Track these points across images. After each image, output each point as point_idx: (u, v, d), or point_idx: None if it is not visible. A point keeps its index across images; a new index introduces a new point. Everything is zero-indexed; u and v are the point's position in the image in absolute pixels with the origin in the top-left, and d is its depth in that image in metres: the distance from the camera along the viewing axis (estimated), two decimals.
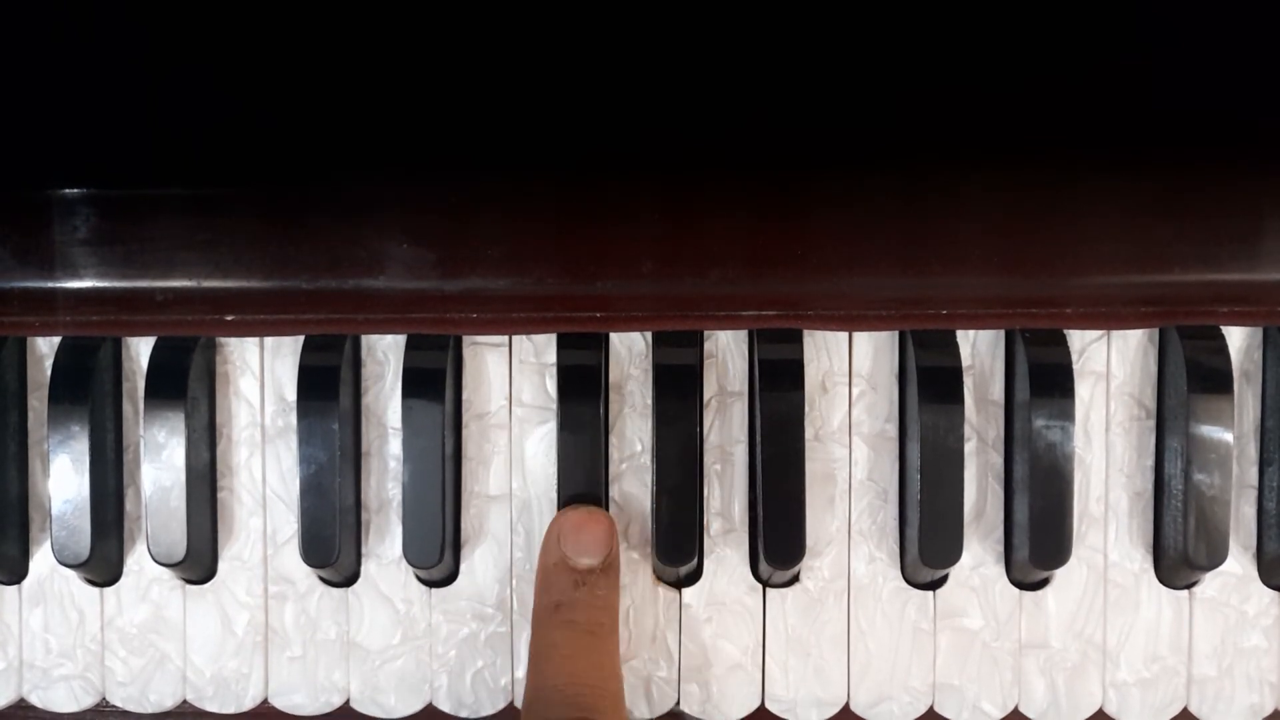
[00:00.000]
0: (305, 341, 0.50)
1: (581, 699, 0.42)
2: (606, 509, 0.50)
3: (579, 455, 0.48)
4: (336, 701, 0.51)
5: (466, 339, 0.51)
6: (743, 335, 0.50)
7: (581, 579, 0.46)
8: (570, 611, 0.45)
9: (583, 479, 0.49)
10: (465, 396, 0.51)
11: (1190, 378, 0.47)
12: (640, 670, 0.50)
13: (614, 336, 0.50)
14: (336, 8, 0.49)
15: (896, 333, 0.50)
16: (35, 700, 0.52)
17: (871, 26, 0.48)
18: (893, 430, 0.50)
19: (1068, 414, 0.47)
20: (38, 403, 0.52)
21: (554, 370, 0.50)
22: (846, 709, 0.50)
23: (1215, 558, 0.48)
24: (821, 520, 0.50)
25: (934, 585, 0.50)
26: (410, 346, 0.50)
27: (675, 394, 0.49)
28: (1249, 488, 0.50)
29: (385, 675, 0.51)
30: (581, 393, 0.48)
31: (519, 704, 0.51)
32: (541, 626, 0.46)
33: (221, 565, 0.52)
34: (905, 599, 0.50)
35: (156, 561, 0.49)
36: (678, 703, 0.50)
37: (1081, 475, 0.50)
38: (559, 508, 0.49)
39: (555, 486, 0.49)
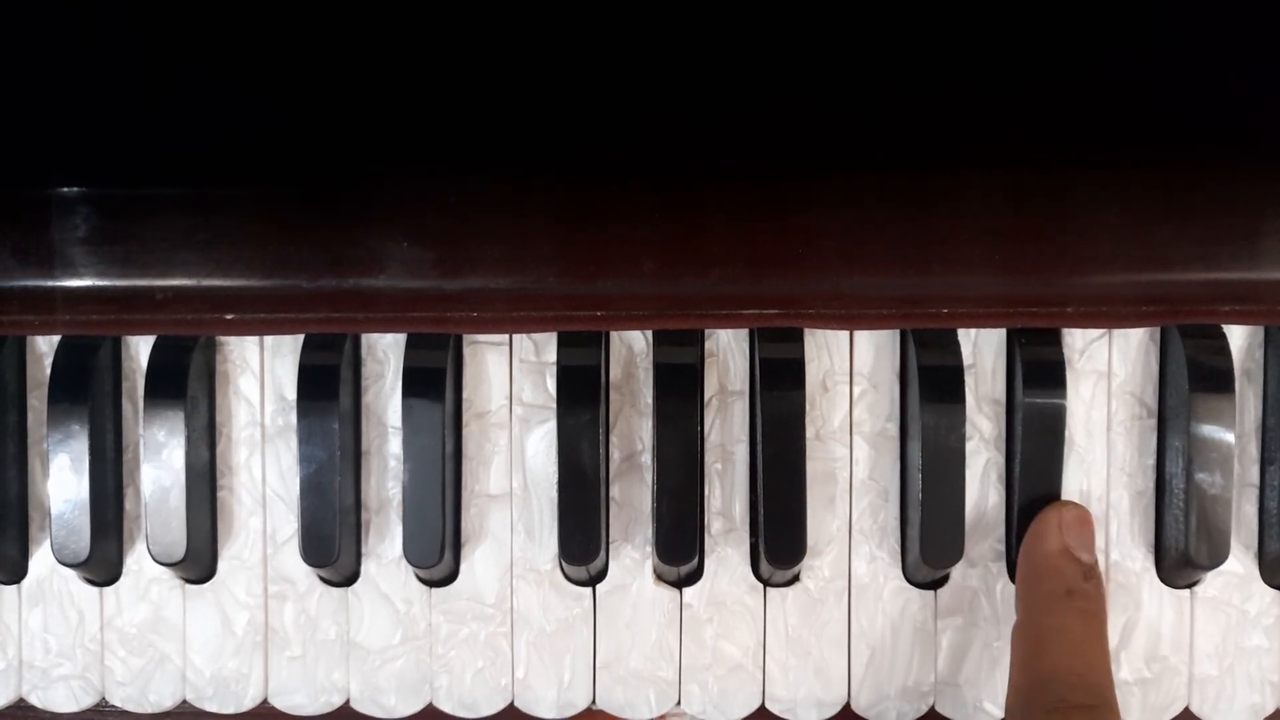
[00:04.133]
0: (305, 340, 0.50)
1: (1101, 687, 0.43)
2: (607, 509, 0.49)
3: (579, 454, 0.48)
4: (336, 701, 0.51)
5: (467, 338, 0.51)
6: (744, 334, 0.50)
7: (1088, 573, 0.46)
8: (1084, 601, 0.45)
9: (581, 483, 0.48)
10: (465, 396, 0.51)
11: (1191, 377, 0.47)
12: (641, 671, 0.50)
13: (614, 335, 0.50)
14: (337, 7, 0.49)
15: (897, 332, 0.50)
16: (35, 700, 0.52)
17: (872, 26, 0.48)
18: (894, 429, 0.50)
19: (1059, 414, 0.47)
20: (37, 402, 0.52)
21: (554, 369, 0.50)
22: (847, 709, 0.50)
23: (1217, 557, 0.47)
24: (822, 520, 0.50)
25: (935, 585, 0.50)
26: (410, 345, 0.50)
27: (676, 393, 0.49)
28: (1250, 487, 0.50)
29: (385, 675, 0.51)
30: (582, 392, 0.48)
31: (519, 704, 0.50)
32: (1051, 611, 0.45)
33: (221, 565, 0.51)
34: (906, 598, 0.50)
35: (156, 561, 0.49)
36: (678, 703, 0.50)
37: (1083, 475, 0.49)
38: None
39: (556, 486, 0.49)
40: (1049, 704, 0.42)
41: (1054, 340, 0.49)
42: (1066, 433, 0.49)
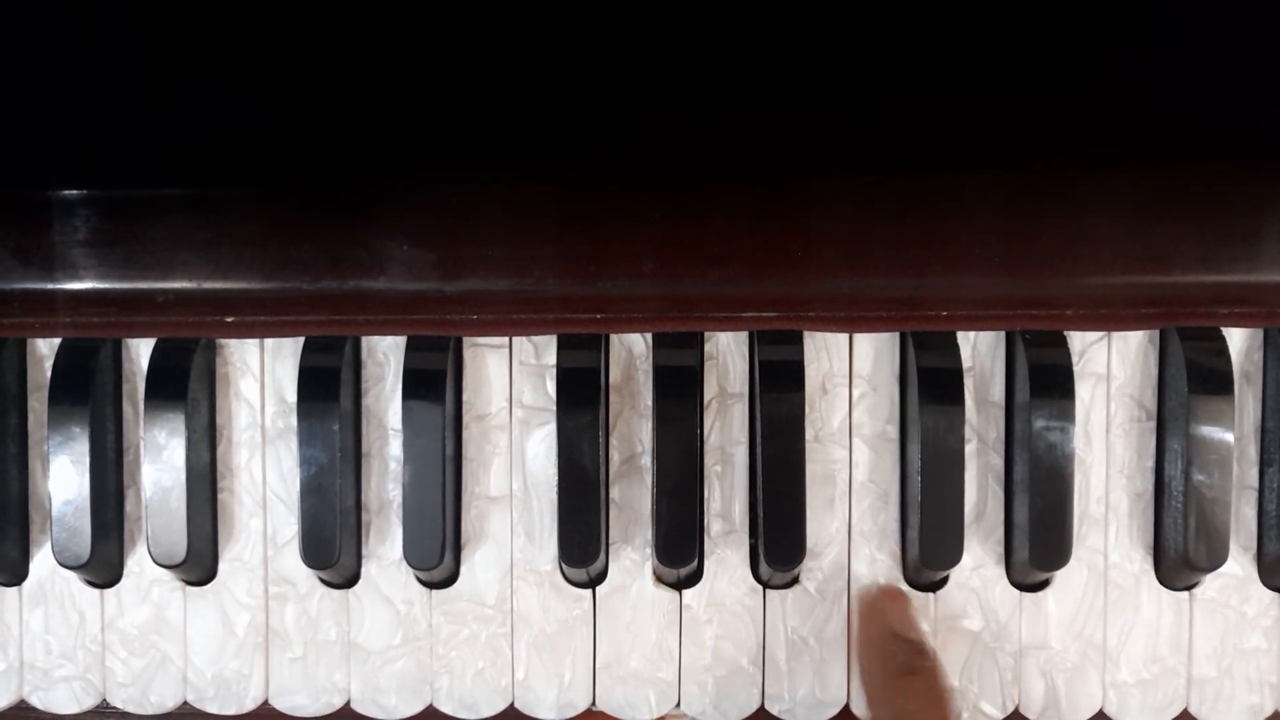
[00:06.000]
0: (305, 343, 0.50)
1: None
2: (607, 510, 0.49)
3: (579, 456, 0.48)
4: (337, 702, 0.51)
5: (467, 340, 0.51)
6: (743, 336, 0.50)
7: (920, 649, 0.47)
8: (927, 679, 0.46)
9: (581, 485, 0.48)
10: (466, 398, 0.51)
11: (1191, 379, 0.47)
12: (641, 672, 0.50)
13: (614, 338, 0.50)
14: (337, 7, 0.49)
15: (897, 334, 0.50)
16: (36, 701, 0.52)
17: (871, 26, 0.48)
18: (893, 431, 0.50)
19: (1068, 415, 0.47)
20: (38, 404, 0.52)
21: (554, 371, 0.50)
22: (846, 710, 0.50)
23: (1215, 559, 0.48)
24: (821, 521, 0.50)
25: (935, 586, 0.50)
26: (411, 348, 0.50)
27: (675, 395, 0.49)
28: (1249, 489, 0.50)
29: (386, 676, 0.51)
30: (581, 394, 0.48)
31: (520, 705, 0.51)
32: (896, 695, 0.46)
33: (222, 566, 0.52)
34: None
35: (157, 563, 0.49)
36: (678, 704, 0.50)
37: (1082, 476, 0.50)
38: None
39: (556, 488, 0.49)
40: None
41: (1059, 342, 0.49)
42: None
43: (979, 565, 0.50)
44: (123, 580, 0.52)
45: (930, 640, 0.48)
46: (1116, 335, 0.50)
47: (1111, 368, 0.50)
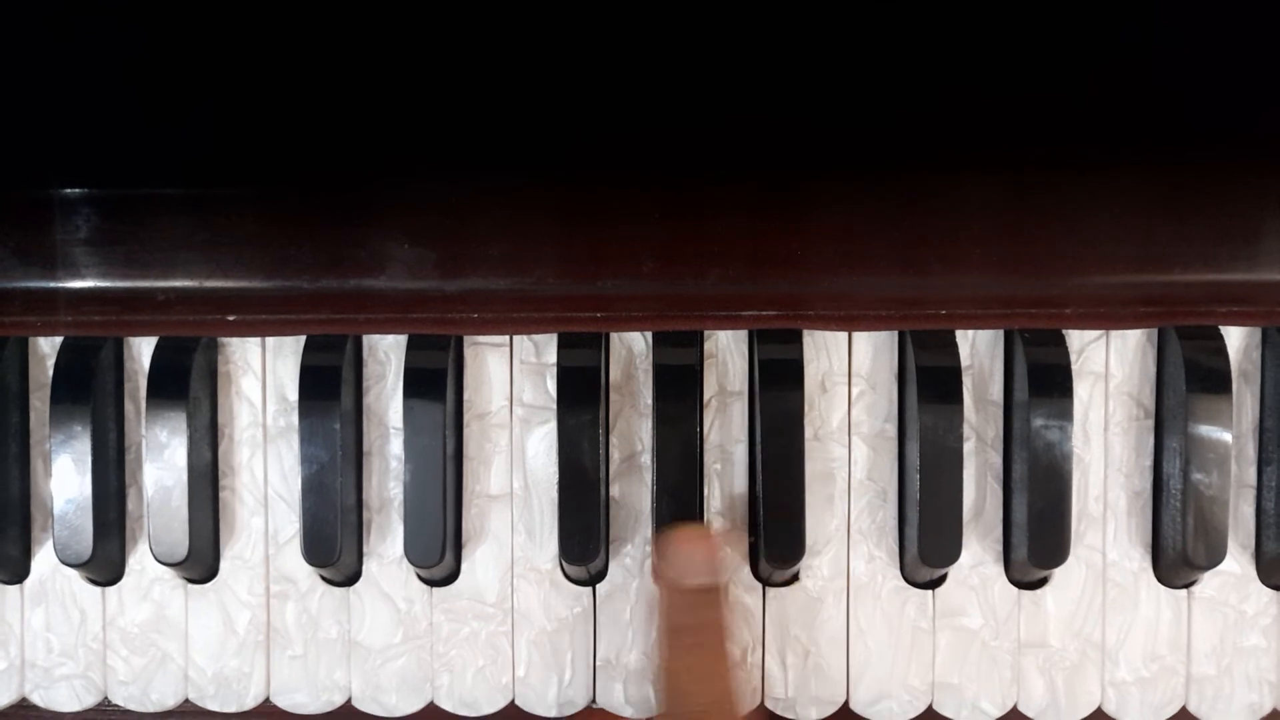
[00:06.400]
0: (307, 341, 0.50)
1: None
2: (607, 508, 0.50)
3: (579, 455, 0.48)
4: (338, 700, 0.51)
5: (467, 339, 0.51)
6: (743, 335, 0.50)
7: (696, 601, 0.45)
8: (692, 636, 0.45)
9: (581, 483, 0.48)
10: (466, 396, 0.51)
11: (1189, 378, 0.48)
12: (641, 669, 0.50)
13: (614, 336, 0.50)
14: (337, 7, 0.49)
15: (896, 333, 0.50)
16: (37, 699, 0.52)
17: (871, 26, 0.48)
18: (892, 430, 0.50)
19: (1066, 414, 0.48)
20: (39, 403, 0.52)
21: (555, 370, 0.50)
22: (846, 707, 0.50)
23: (1214, 557, 0.48)
24: (821, 519, 0.50)
25: (933, 584, 0.50)
26: (411, 346, 0.50)
27: (675, 394, 0.49)
28: (1247, 487, 0.50)
29: (387, 674, 0.51)
30: (582, 393, 0.48)
31: (520, 703, 0.51)
32: (664, 652, 0.45)
33: (223, 564, 0.52)
34: (905, 598, 0.50)
35: (158, 561, 0.50)
36: None
37: (1080, 475, 0.50)
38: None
39: (556, 486, 0.49)
40: None
41: (1058, 341, 0.49)
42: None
43: (978, 563, 0.50)
44: (124, 578, 0.52)
45: (712, 593, 0.45)
46: (1115, 334, 0.50)
47: (1110, 366, 0.50)
